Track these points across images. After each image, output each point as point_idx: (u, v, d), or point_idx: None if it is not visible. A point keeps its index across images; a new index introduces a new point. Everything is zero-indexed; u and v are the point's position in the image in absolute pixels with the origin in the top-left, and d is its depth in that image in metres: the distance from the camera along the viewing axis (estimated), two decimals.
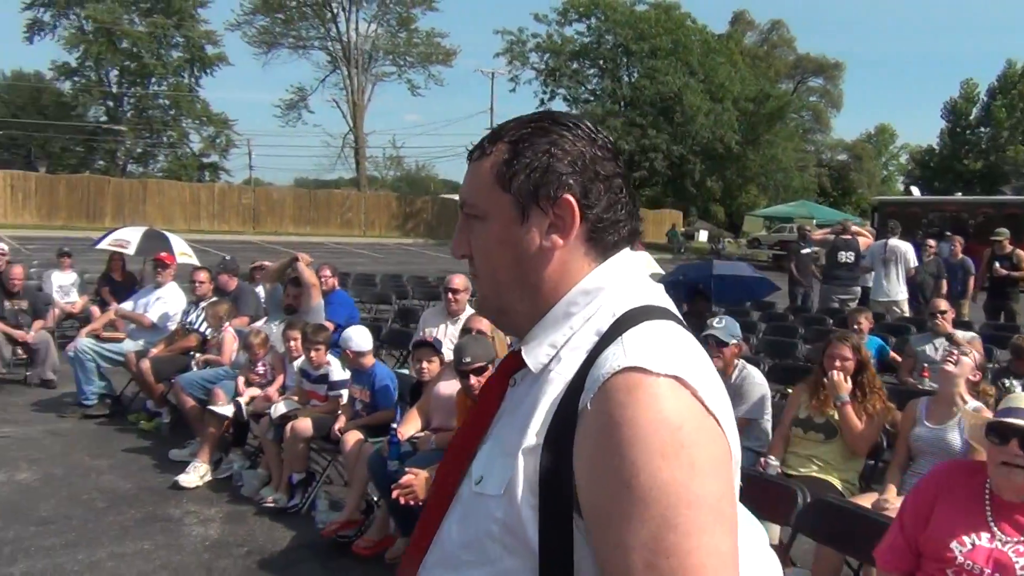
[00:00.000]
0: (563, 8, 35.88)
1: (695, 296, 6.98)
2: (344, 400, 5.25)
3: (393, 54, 41.58)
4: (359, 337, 5.00)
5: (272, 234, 33.77)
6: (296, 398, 5.47)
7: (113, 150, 46.68)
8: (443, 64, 42.24)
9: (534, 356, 1.05)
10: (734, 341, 4.73)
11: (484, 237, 1.09)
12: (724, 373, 4.68)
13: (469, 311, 6.54)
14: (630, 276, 1.08)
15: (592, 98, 36.33)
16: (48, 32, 44.75)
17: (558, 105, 37.16)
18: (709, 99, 33.37)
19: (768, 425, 4.73)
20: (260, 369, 5.80)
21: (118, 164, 46.03)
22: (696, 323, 6.55)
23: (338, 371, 5.31)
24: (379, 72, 42.02)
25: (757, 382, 4.75)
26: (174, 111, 47.69)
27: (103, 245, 10.84)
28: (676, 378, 0.92)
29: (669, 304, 1.08)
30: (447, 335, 6.38)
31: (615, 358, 0.94)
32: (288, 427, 5.05)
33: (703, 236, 40.54)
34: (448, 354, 5.05)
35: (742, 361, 4.84)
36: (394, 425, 4.35)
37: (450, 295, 6.29)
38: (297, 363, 5.63)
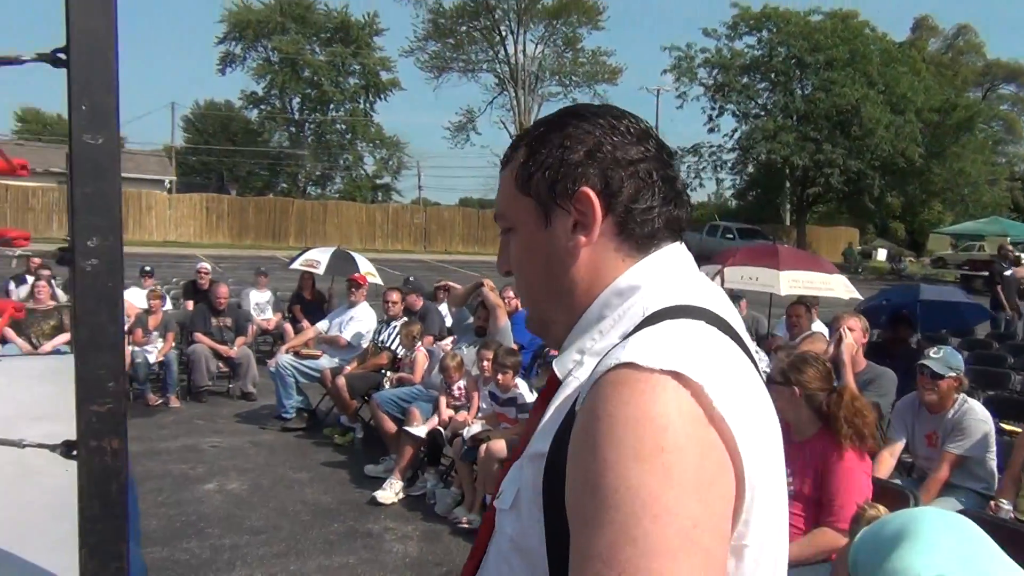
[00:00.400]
0: (733, 22, 35.17)
1: (898, 322, 6.55)
2: None
3: (559, 74, 42.00)
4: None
5: (442, 253, 34.69)
6: (486, 420, 5.53)
7: (295, 173, 49.32)
8: (608, 83, 42.32)
9: (561, 364, 0.98)
10: (952, 373, 4.39)
11: (516, 248, 1.04)
12: (941, 407, 4.37)
13: None
14: (671, 272, 0.97)
15: (763, 113, 35.35)
16: (238, 64, 47.88)
17: (727, 121, 36.56)
18: (890, 111, 31.72)
19: (993, 464, 4.36)
20: (456, 391, 5.89)
21: (299, 186, 48.59)
22: (898, 350, 6.18)
23: (527, 394, 5.32)
24: (545, 92, 42.55)
25: (980, 417, 4.39)
26: (350, 135, 50.01)
27: (295, 265, 11.44)
28: (675, 374, 0.79)
29: (715, 304, 0.95)
30: None
31: (614, 354, 0.83)
32: (481, 448, 5.09)
33: (882, 255, 38.51)
34: None
35: (963, 395, 4.48)
36: None
37: None
38: (486, 385, 5.69)
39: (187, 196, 31.95)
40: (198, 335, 8.84)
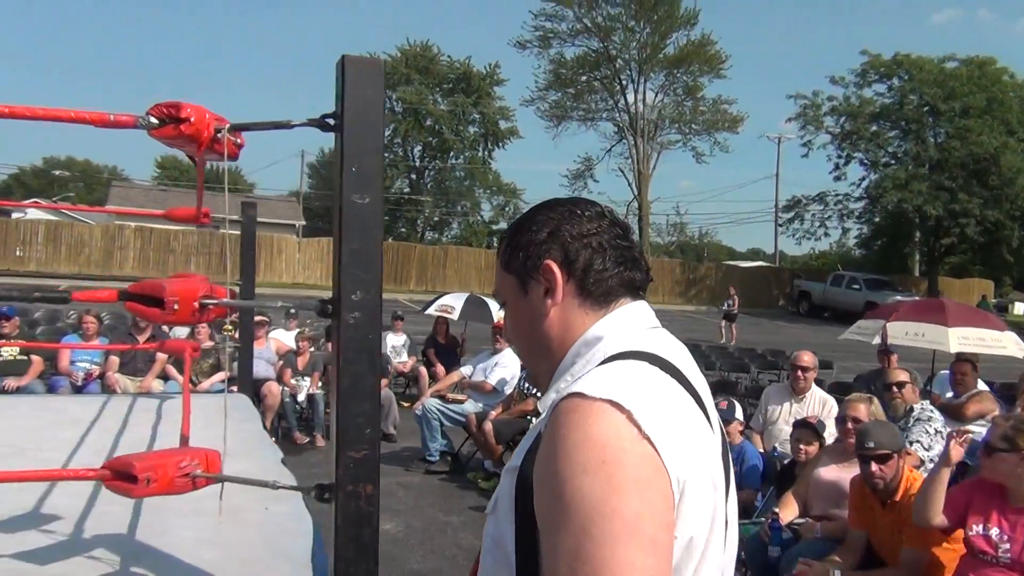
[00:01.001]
0: (862, 69, 34.39)
1: None
2: None
3: (679, 122, 41.85)
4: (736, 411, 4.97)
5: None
6: None
7: (414, 219, 50.56)
8: (729, 131, 41.86)
9: (543, 403, 1.19)
10: None
11: (508, 318, 1.28)
12: None
13: (814, 389, 6.30)
14: (628, 324, 1.19)
15: (893, 161, 34.31)
16: None
17: (854, 169, 35.61)
18: None
19: None
20: None
21: (417, 231, 49.77)
22: None
23: None
24: (664, 140, 42.44)
25: None
26: (468, 182, 51.05)
27: (431, 311, 11.71)
28: (610, 402, 0.98)
29: (664, 350, 1.15)
30: (791, 414, 6.17)
31: (568, 388, 1.05)
32: None
33: (1019, 308, 36.65)
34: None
35: None
36: (776, 510, 4.21)
37: (799, 372, 6.08)
38: None
39: (315, 240, 33.06)
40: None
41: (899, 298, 29.74)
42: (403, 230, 50.88)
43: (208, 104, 2.37)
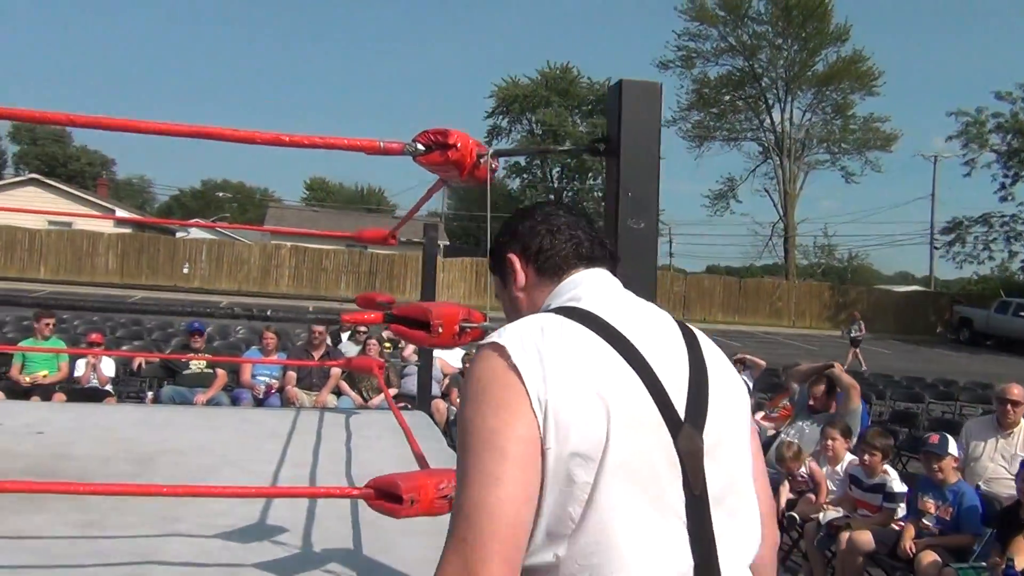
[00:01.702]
0: None
1: None
2: (901, 512, 4.93)
3: (828, 142, 40.50)
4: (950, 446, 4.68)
5: (701, 321, 34.10)
6: (840, 507, 5.25)
7: None
8: (882, 150, 40.20)
9: None
10: None
11: (498, 296, 1.53)
12: None
13: (1021, 424, 5.90)
14: (572, 288, 1.36)
15: None
16: (505, 136, 50.42)
17: (1022, 190, 33.51)
18: None
19: None
20: (799, 477, 5.65)
21: None
22: None
23: (898, 482, 5.00)
24: (812, 160, 41.14)
25: None
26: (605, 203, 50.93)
27: None
28: (492, 344, 1.19)
29: (594, 306, 1.28)
30: (997, 450, 5.80)
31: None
32: (844, 537, 4.83)
33: None
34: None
35: None
36: (1011, 557, 3.92)
37: (1007, 406, 5.72)
38: (842, 467, 5.42)
39: (458, 260, 33.65)
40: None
41: None
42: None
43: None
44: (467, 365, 1.52)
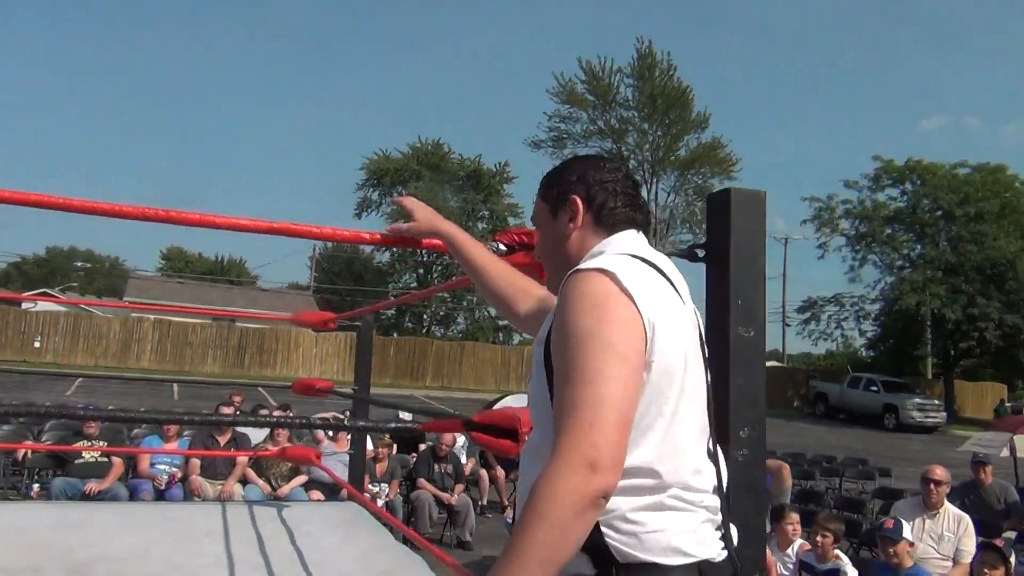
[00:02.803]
0: (875, 174, 35.05)
1: None
2: None
3: (690, 222, 42.30)
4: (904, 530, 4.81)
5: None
6: None
7: (420, 313, 50.58)
8: None
9: None
10: None
11: (541, 239, 1.73)
12: None
13: (947, 504, 6.15)
14: (623, 242, 1.60)
15: (908, 264, 34.63)
16: (375, 209, 50.36)
17: (869, 271, 35.82)
18: None
19: None
20: None
21: (424, 326, 49.77)
22: None
23: (851, 567, 5.09)
24: (676, 240, 42.72)
25: None
26: None
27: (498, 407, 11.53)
28: (599, 270, 1.40)
29: (645, 254, 1.55)
30: (924, 530, 6.02)
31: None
32: None
33: None
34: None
35: None
36: None
37: (931, 487, 5.97)
38: (793, 550, 5.49)
39: (333, 335, 32.94)
40: (421, 481, 8.91)
41: (918, 401, 29.68)
42: (410, 324, 50.85)
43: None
44: (566, 287, 1.49)
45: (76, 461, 7.94)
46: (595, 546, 1.32)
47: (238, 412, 10.60)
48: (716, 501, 1.49)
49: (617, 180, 1.65)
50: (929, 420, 29.06)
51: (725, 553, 1.45)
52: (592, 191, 1.63)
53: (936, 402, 30.47)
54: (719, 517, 1.49)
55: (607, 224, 1.62)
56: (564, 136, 42.45)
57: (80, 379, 23.97)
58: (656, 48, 39.62)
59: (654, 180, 41.80)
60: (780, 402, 35.57)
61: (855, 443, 23.54)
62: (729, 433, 2.07)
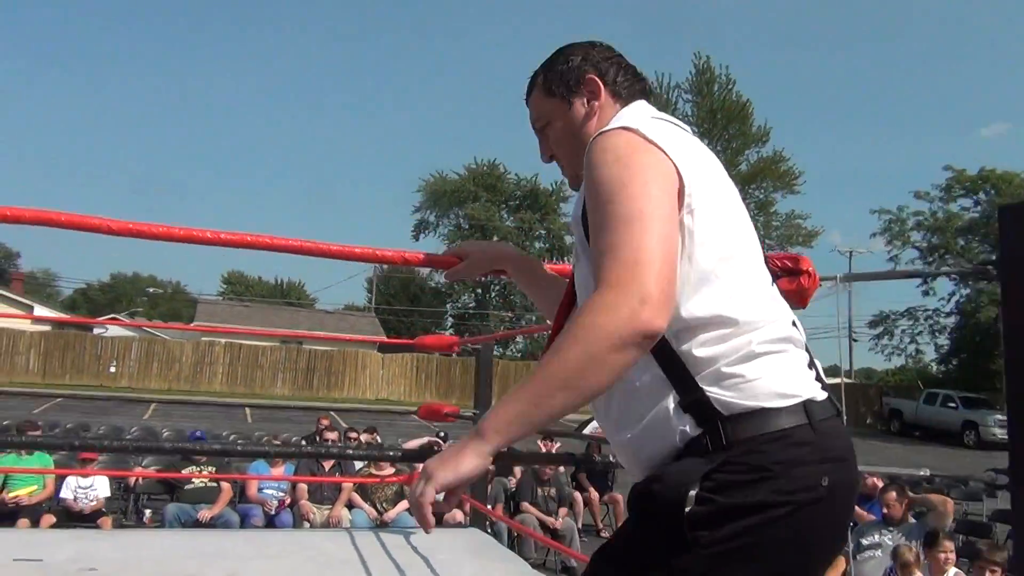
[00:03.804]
0: (947, 184, 34.34)
1: None
2: None
3: None
4: None
5: None
6: None
7: (479, 332, 50.66)
8: (803, 245, 41.61)
9: None
10: None
11: (556, 133, 1.68)
12: None
13: None
14: (641, 107, 1.61)
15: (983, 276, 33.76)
16: (432, 231, 50.64)
17: (943, 284, 34.98)
18: None
19: None
20: None
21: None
22: None
23: None
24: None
25: None
26: None
27: (588, 431, 11.38)
28: (623, 128, 1.42)
29: (667, 117, 1.56)
30: None
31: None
32: None
33: None
34: None
35: None
36: None
37: None
38: None
39: (398, 356, 33.04)
40: (525, 505, 8.79)
41: (999, 417, 28.71)
42: (468, 345, 50.93)
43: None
44: (591, 148, 1.45)
45: (186, 487, 7.98)
46: (696, 403, 1.32)
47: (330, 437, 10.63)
48: (801, 336, 1.48)
49: (614, 55, 1.69)
50: None
51: (824, 393, 1.41)
52: (601, 67, 1.65)
53: None
54: (808, 354, 1.47)
55: (624, 96, 1.65)
56: None
57: (154, 403, 24.39)
58: (714, 62, 39.36)
59: None
60: (852, 419, 34.75)
61: (939, 462, 22.85)
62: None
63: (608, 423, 1.45)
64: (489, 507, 8.65)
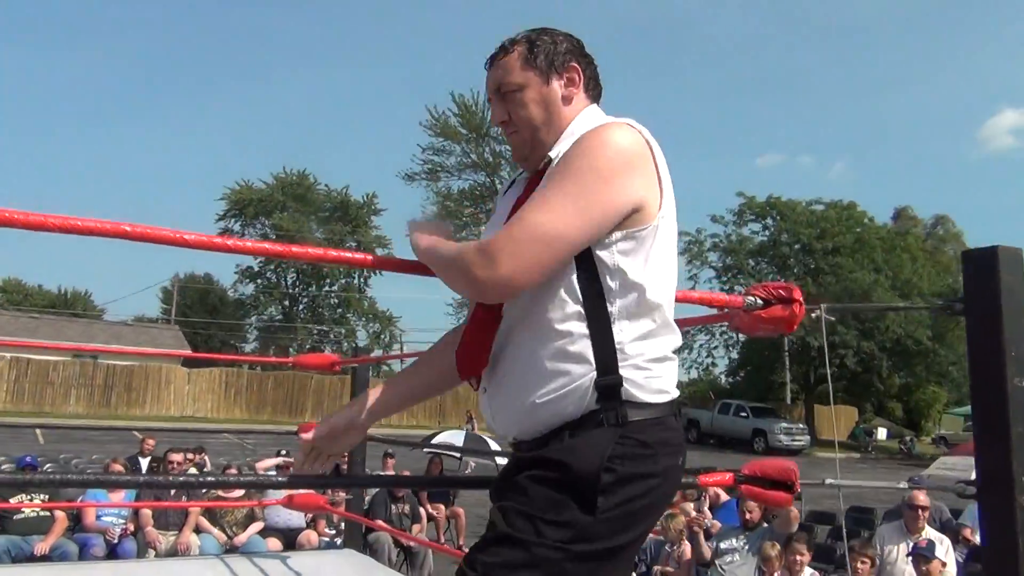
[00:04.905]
0: (739, 209, 36.95)
1: None
2: None
3: None
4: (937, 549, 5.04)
5: (458, 427, 34.30)
6: None
7: (287, 346, 49.24)
8: None
9: (556, 151, 1.62)
10: None
11: (522, 101, 1.69)
12: None
13: (928, 528, 6.49)
14: (603, 113, 1.73)
15: None
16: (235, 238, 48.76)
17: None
18: (897, 295, 33.04)
19: None
20: None
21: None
22: None
23: None
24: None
25: None
26: (342, 309, 50.42)
27: (432, 449, 11.41)
28: (629, 124, 1.58)
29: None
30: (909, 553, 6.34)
31: (584, 130, 1.59)
32: None
33: (882, 434, 39.02)
34: None
35: None
36: None
37: (917, 511, 6.32)
38: None
39: (207, 370, 31.53)
40: (379, 523, 8.67)
41: (784, 425, 31.23)
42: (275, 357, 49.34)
43: None
44: (587, 134, 1.62)
45: (15, 517, 7.32)
46: (611, 386, 1.51)
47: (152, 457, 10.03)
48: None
49: (590, 56, 1.78)
50: (795, 443, 30.57)
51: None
52: (583, 64, 1.73)
53: (801, 426, 32.11)
54: None
55: (593, 95, 1.76)
56: (438, 169, 42.61)
57: None
58: None
59: None
60: None
61: (735, 467, 24.43)
62: (1013, 479, 2.20)
63: (508, 381, 1.61)
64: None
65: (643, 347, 1.54)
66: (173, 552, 7.45)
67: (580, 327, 1.52)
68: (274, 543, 7.88)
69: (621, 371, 1.52)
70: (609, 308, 1.52)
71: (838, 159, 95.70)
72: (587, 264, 1.53)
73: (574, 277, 1.53)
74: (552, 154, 1.62)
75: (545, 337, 1.54)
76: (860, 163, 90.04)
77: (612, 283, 1.53)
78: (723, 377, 46.74)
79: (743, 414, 32.29)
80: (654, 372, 1.55)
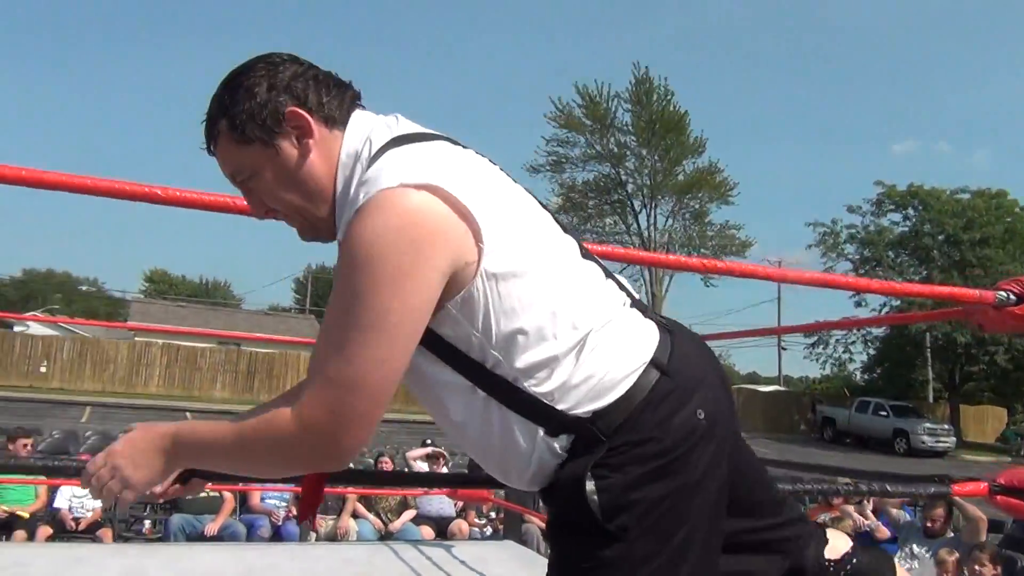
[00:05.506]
0: (878, 199, 35.44)
1: None
2: None
3: (688, 247, 42.37)
4: None
5: None
6: None
7: None
8: (737, 255, 42.44)
9: (341, 219, 1.28)
10: None
11: (265, 186, 1.33)
12: None
13: None
14: (375, 121, 1.34)
15: None
16: None
17: (875, 296, 35.95)
18: None
19: None
20: None
21: None
22: None
23: None
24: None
25: None
26: None
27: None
28: (419, 187, 1.18)
29: (418, 128, 1.34)
30: None
31: (371, 191, 1.20)
32: None
33: None
34: None
35: None
36: None
37: None
38: None
39: None
40: (537, 515, 8.74)
41: (929, 425, 29.78)
42: None
43: None
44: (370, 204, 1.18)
45: (187, 496, 7.71)
46: (561, 424, 1.28)
47: None
48: (624, 294, 1.42)
49: (303, 68, 1.36)
50: (940, 445, 29.19)
51: (657, 327, 1.40)
52: (297, 92, 1.32)
53: (946, 427, 30.58)
54: (634, 305, 1.42)
55: (339, 119, 1.35)
56: (563, 160, 42.50)
57: (90, 406, 23.54)
58: (653, 73, 39.91)
59: (653, 204, 41.96)
60: (786, 427, 35.65)
61: (879, 469, 23.54)
62: None
63: (490, 469, 1.40)
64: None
65: (559, 376, 1.28)
66: (332, 536, 7.71)
67: (494, 410, 1.29)
68: (427, 531, 8.06)
69: (558, 408, 1.28)
70: (500, 372, 1.27)
71: (978, 146, 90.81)
72: (443, 351, 1.28)
73: (446, 373, 1.29)
74: (340, 224, 1.29)
75: (479, 433, 1.32)
76: (1002, 150, 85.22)
77: (481, 348, 1.26)
78: (858, 373, 45.06)
79: (883, 413, 31.02)
80: (595, 375, 1.29)
